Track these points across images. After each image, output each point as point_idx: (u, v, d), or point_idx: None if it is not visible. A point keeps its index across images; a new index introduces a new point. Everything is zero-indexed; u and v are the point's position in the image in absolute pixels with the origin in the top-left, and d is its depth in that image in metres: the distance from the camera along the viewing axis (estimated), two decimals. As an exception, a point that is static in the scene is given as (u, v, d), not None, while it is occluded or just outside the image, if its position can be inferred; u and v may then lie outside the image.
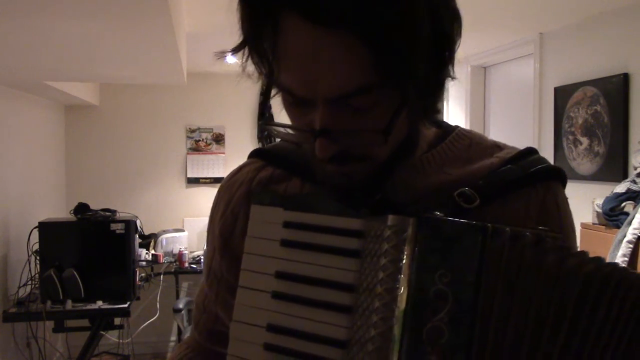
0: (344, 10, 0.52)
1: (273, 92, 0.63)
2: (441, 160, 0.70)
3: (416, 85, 0.58)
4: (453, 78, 0.64)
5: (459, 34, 0.62)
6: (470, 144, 0.73)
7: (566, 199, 0.71)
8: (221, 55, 0.65)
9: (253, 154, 0.79)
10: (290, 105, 0.62)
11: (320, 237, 0.60)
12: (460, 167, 0.70)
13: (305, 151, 0.70)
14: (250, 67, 0.64)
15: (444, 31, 0.60)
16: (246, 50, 0.61)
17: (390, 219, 0.55)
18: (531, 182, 0.68)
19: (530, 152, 0.71)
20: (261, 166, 0.76)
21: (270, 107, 4.98)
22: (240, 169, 0.79)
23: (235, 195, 0.76)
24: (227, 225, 0.76)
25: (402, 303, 0.53)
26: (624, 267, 0.54)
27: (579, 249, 0.59)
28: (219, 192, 0.80)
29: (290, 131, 0.63)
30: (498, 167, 0.69)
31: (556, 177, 0.70)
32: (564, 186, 0.72)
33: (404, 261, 0.53)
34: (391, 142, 0.61)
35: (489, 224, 0.53)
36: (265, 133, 4.96)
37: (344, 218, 0.60)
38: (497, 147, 0.73)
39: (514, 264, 0.52)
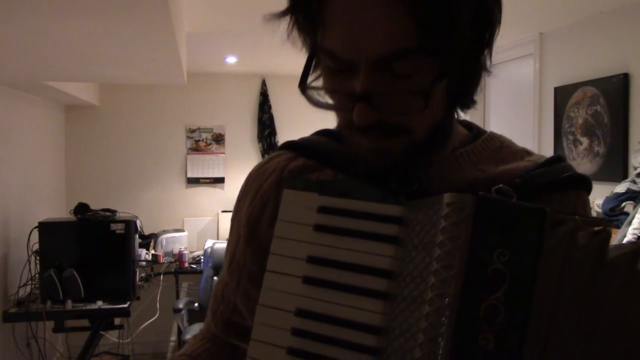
0: None
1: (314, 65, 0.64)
2: (475, 157, 0.72)
3: (456, 57, 0.59)
4: (489, 72, 0.65)
5: (499, 20, 0.64)
6: (501, 146, 0.75)
7: (590, 205, 0.76)
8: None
9: (283, 147, 0.79)
10: (331, 75, 0.62)
11: (356, 222, 0.60)
12: (494, 165, 0.71)
13: (336, 144, 0.71)
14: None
15: (486, 10, 0.62)
16: (292, 16, 0.63)
17: (447, 196, 0.55)
18: (564, 187, 0.71)
19: (559, 159, 0.74)
20: (292, 157, 0.76)
21: (270, 107, 4.99)
22: (270, 159, 0.79)
23: (265, 182, 0.76)
24: (255, 212, 0.76)
25: (457, 280, 0.52)
26: None
27: None
28: (247, 180, 0.79)
29: (328, 101, 0.63)
30: (533, 169, 0.71)
31: (585, 186, 0.74)
32: (589, 193, 0.76)
33: (463, 238, 0.53)
34: (427, 120, 0.62)
35: (547, 208, 0.53)
36: (266, 132, 4.98)
37: (382, 204, 0.59)
38: (527, 152, 0.75)
39: (572, 251, 0.53)
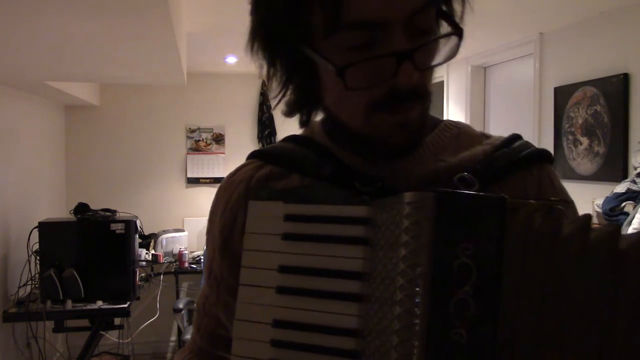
0: None
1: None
2: (434, 148, 0.72)
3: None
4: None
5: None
6: (458, 133, 0.75)
7: (557, 176, 0.75)
8: None
9: (251, 155, 0.79)
10: (355, 51, 0.61)
11: (323, 227, 0.60)
12: (454, 154, 0.72)
13: (301, 149, 0.72)
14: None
15: None
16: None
17: (408, 195, 0.55)
18: (526, 164, 0.71)
19: (516, 138, 0.74)
20: (259, 165, 0.76)
21: (270, 107, 4.98)
22: (238, 169, 0.79)
23: (233, 194, 0.76)
24: (226, 225, 0.76)
25: (425, 277, 0.53)
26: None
27: None
28: (217, 193, 0.80)
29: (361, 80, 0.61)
30: (492, 152, 0.71)
31: (547, 159, 0.74)
32: (552, 165, 0.76)
33: (426, 236, 0.53)
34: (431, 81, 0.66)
35: (506, 196, 0.53)
36: (266, 132, 4.97)
37: (348, 206, 0.59)
38: (485, 136, 0.76)
39: (531, 234, 0.53)
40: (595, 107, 3.13)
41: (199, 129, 4.98)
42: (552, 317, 0.52)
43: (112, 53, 2.53)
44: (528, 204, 0.55)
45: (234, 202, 0.75)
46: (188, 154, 4.97)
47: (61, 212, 4.38)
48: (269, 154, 0.77)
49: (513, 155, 0.71)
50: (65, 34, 2.07)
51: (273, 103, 0.71)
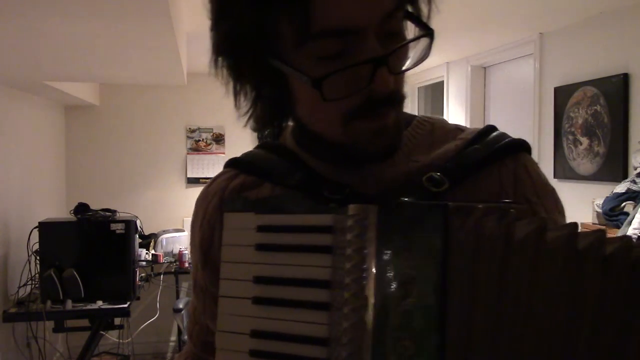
0: None
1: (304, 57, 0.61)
2: (407, 148, 0.71)
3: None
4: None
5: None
6: (432, 129, 0.73)
7: (535, 164, 0.72)
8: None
9: (227, 164, 0.79)
10: (328, 60, 0.59)
11: (293, 236, 0.60)
12: (426, 152, 0.70)
13: (272, 156, 0.71)
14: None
15: None
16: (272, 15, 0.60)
17: (351, 208, 0.55)
18: (499, 157, 0.69)
19: (490, 129, 0.72)
20: (233, 175, 0.76)
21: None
22: (214, 180, 0.79)
23: (209, 206, 0.77)
24: (205, 237, 0.76)
25: (370, 291, 0.53)
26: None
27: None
28: (195, 204, 0.80)
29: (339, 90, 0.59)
30: (463, 148, 0.69)
31: (522, 148, 0.71)
32: (530, 154, 0.73)
33: (368, 249, 0.53)
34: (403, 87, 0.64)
35: (450, 202, 0.52)
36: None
37: (314, 215, 0.59)
38: (459, 129, 0.74)
39: (480, 239, 0.51)
40: (595, 107, 3.12)
41: (199, 129, 4.98)
42: (508, 325, 0.50)
43: (112, 53, 2.53)
44: (478, 209, 0.53)
45: (210, 214, 0.76)
46: (188, 154, 4.97)
47: (61, 212, 4.38)
48: (243, 163, 0.76)
49: (484, 149, 0.69)
50: (65, 34, 2.07)
51: (242, 120, 0.69)
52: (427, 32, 0.60)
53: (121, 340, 4.12)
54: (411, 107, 5.08)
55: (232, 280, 0.63)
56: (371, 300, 0.53)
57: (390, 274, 0.52)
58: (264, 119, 0.69)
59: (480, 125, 0.77)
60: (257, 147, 0.77)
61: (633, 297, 0.49)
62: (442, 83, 4.74)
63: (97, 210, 3.58)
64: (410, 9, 0.63)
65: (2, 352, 3.34)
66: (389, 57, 0.57)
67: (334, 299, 0.56)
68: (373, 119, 0.62)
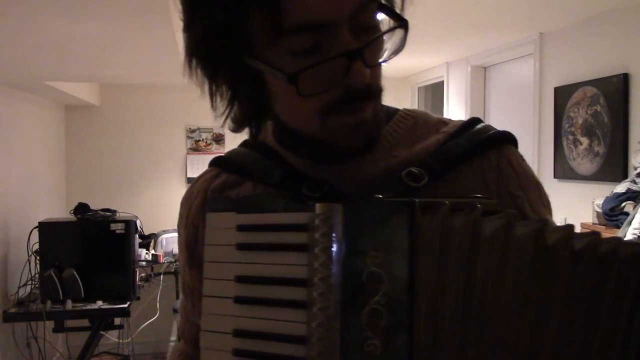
0: None
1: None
2: (388, 143, 0.69)
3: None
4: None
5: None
6: (415, 123, 0.72)
7: (521, 156, 0.70)
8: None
9: (211, 163, 0.79)
10: (302, 55, 0.58)
11: (272, 235, 0.60)
12: (408, 147, 0.69)
13: (253, 154, 0.71)
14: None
15: None
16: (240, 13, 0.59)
17: (318, 207, 0.55)
18: (481, 151, 0.68)
19: (475, 122, 0.70)
20: (216, 174, 0.76)
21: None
22: (197, 179, 0.80)
23: (193, 206, 0.77)
24: (189, 237, 0.77)
25: (337, 290, 0.52)
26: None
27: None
28: (180, 205, 0.81)
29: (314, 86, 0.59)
30: (445, 142, 0.68)
31: (506, 141, 0.70)
32: (516, 147, 0.71)
33: (333, 248, 0.53)
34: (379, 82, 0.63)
35: (416, 199, 0.52)
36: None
37: (291, 213, 0.59)
38: (443, 122, 0.72)
39: (447, 236, 0.51)
40: (595, 107, 3.12)
41: (199, 129, 4.98)
42: (476, 321, 0.50)
43: (112, 53, 2.53)
44: (445, 205, 0.53)
45: (194, 214, 0.77)
46: (188, 154, 4.97)
47: (61, 212, 4.38)
48: (225, 162, 0.77)
49: (466, 143, 0.67)
50: (66, 34, 2.07)
51: (220, 121, 0.68)
52: (401, 23, 0.59)
53: (121, 340, 4.12)
54: (411, 107, 5.06)
55: (214, 280, 0.63)
56: (338, 299, 0.52)
57: (356, 273, 0.52)
58: (242, 119, 0.69)
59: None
60: (240, 145, 0.78)
61: (600, 292, 0.49)
62: (442, 83, 4.74)
63: (97, 210, 3.58)
64: (383, 0, 0.61)
65: (2, 352, 3.34)
66: (364, 50, 0.57)
67: (310, 297, 0.56)
68: (350, 113, 0.61)
